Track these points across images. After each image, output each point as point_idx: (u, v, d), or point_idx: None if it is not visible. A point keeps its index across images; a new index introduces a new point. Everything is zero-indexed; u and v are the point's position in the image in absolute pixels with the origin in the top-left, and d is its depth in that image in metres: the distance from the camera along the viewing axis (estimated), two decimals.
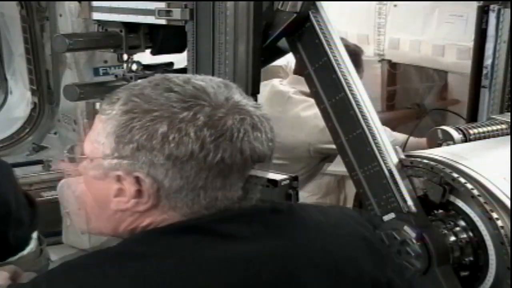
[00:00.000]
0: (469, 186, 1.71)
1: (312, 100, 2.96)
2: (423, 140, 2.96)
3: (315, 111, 2.95)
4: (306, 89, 2.91)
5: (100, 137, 1.11)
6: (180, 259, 1.06)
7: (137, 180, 1.09)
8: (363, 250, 1.23)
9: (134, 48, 2.07)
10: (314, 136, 3.05)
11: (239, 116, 1.09)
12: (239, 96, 1.13)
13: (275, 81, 3.36)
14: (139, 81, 1.15)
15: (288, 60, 3.61)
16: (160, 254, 1.07)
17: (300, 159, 3.14)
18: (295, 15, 1.93)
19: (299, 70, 3.13)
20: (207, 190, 1.09)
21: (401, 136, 3.12)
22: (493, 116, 2.25)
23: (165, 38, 2.07)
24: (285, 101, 3.18)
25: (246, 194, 1.14)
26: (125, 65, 2.08)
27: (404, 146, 2.88)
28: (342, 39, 3.30)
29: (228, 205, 1.12)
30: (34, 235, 1.76)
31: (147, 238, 1.11)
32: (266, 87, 3.25)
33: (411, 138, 3.11)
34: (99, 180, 1.13)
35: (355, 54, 3.20)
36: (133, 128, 1.07)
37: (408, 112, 3.80)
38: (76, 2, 2.59)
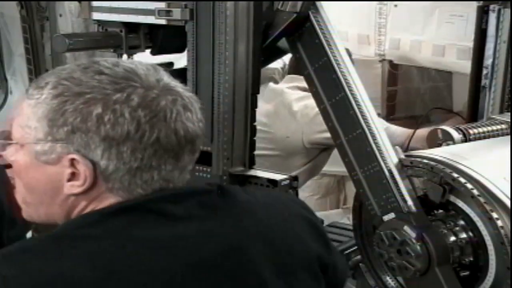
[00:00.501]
0: (469, 186, 1.71)
1: (304, 93, 2.98)
2: (422, 130, 2.98)
3: (306, 102, 2.97)
4: (302, 84, 2.92)
5: (30, 121, 1.11)
6: (119, 239, 1.07)
7: (72, 162, 1.10)
8: (309, 231, 1.27)
9: (134, 48, 2.07)
10: (306, 126, 3.05)
11: (171, 97, 1.11)
12: (168, 78, 1.15)
13: (270, 84, 3.39)
14: (66, 65, 1.16)
15: (285, 63, 3.63)
16: (100, 236, 1.07)
17: (295, 152, 3.14)
18: (295, 15, 1.93)
19: (294, 69, 3.16)
20: (143, 170, 1.10)
21: (399, 130, 3.14)
22: (493, 116, 2.25)
23: (165, 38, 2.07)
24: (279, 95, 3.21)
25: (180, 174, 1.16)
26: None
27: (410, 139, 2.90)
28: None
29: (164, 185, 1.14)
30: (28, 234, 1.75)
31: (86, 221, 1.11)
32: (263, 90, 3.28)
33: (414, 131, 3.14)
34: (34, 166, 1.13)
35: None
36: (66, 111, 1.08)
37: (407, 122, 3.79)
38: (76, 2, 2.59)
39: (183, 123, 1.12)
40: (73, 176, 1.11)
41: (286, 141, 3.09)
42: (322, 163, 3.30)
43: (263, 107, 3.21)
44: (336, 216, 4.08)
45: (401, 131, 3.15)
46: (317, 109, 2.05)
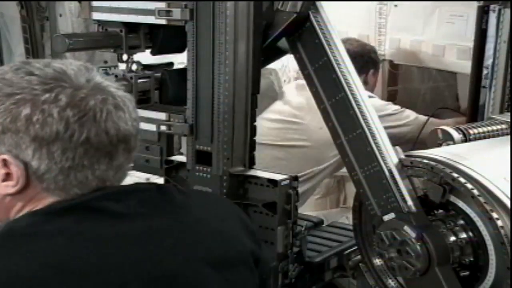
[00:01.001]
0: (469, 186, 1.71)
1: None
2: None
3: None
4: None
5: None
6: (69, 237, 1.09)
7: (5, 163, 1.11)
8: (242, 228, 1.33)
9: (134, 48, 2.07)
10: None
11: (101, 96, 1.13)
12: (100, 77, 1.17)
13: (299, 80, 3.43)
14: (1, 66, 1.18)
15: (283, 64, 3.64)
16: (50, 233, 1.09)
17: (328, 143, 3.15)
18: (295, 15, 1.93)
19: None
20: (76, 170, 1.12)
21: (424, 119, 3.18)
22: (493, 116, 2.25)
23: (165, 38, 2.07)
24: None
25: (116, 173, 1.17)
26: (125, 65, 2.08)
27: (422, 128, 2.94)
28: (357, 40, 3.37)
29: (100, 185, 1.15)
30: None
31: (33, 219, 1.13)
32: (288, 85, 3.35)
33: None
34: None
35: (374, 52, 3.29)
36: None
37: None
38: (76, 2, 2.59)
39: (114, 122, 1.13)
40: (7, 177, 1.13)
41: (319, 132, 3.11)
42: None
43: (294, 99, 3.26)
44: (335, 215, 4.08)
45: (430, 122, 3.19)
46: None
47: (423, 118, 3.28)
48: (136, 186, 1.25)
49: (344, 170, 2.02)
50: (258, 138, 2.01)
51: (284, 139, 3.17)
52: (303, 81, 3.38)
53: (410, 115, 3.28)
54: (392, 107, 3.32)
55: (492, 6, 2.56)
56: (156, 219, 1.19)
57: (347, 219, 4.08)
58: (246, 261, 1.29)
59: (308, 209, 3.43)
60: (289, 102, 3.28)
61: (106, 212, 1.14)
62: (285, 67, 3.72)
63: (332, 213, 4.12)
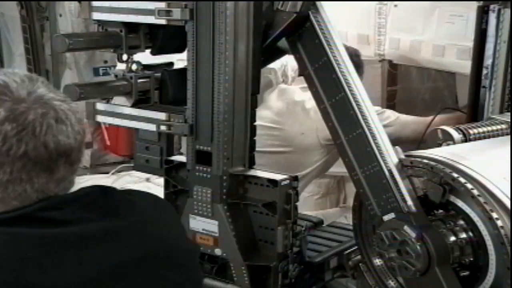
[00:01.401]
0: (469, 186, 1.71)
1: None
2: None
3: None
4: None
5: None
6: (12, 236, 1.11)
7: None
8: (180, 225, 1.42)
9: (134, 48, 2.07)
10: (319, 123, 3.06)
11: (42, 110, 1.13)
12: (44, 89, 1.16)
13: (282, 85, 3.41)
14: None
15: (283, 63, 3.63)
16: None
17: (311, 148, 3.15)
18: (295, 15, 1.93)
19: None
20: (14, 183, 1.13)
21: (408, 118, 3.16)
22: (493, 116, 2.25)
23: (165, 38, 2.07)
24: (291, 93, 3.23)
25: (57, 186, 1.18)
26: (125, 65, 2.08)
27: (428, 125, 2.93)
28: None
29: (41, 196, 1.16)
30: None
31: None
32: (272, 91, 3.32)
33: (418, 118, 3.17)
34: None
35: (356, 55, 3.25)
36: None
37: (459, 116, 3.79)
38: (76, 2, 2.59)
39: (54, 136, 1.13)
40: None
41: (300, 137, 3.10)
42: (334, 159, 3.31)
43: (275, 105, 3.24)
44: (334, 215, 4.08)
45: (413, 120, 3.18)
46: None
47: (404, 117, 3.25)
48: (79, 192, 1.25)
49: (343, 170, 2.01)
50: None
51: (265, 145, 3.13)
52: (284, 86, 3.39)
53: (390, 115, 3.22)
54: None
55: (492, 6, 2.56)
56: (99, 222, 1.20)
57: (346, 218, 4.08)
58: (184, 255, 1.33)
59: (307, 209, 3.43)
60: (270, 108, 3.23)
61: (50, 221, 1.15)
62: (284, 67, 3.72)
63: (330, 213, 4.12)
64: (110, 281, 1.16)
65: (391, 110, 3.30)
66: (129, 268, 1.19)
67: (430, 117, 3.18)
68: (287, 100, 3.23)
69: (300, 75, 3.21)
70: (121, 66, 2.12)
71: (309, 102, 3.13)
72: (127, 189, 1.55)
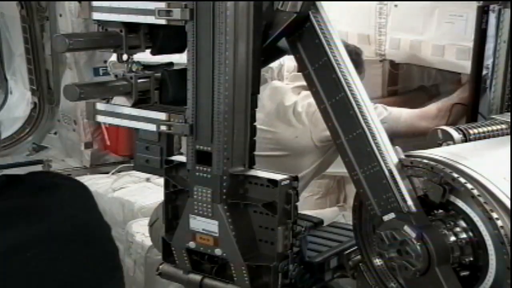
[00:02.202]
0: (469, 186, 1.71)
1: (308, 92, 2.97)
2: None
3: (310, 100, 2.96)
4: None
5: None
6: None
7: None
8: (91, 209, 1.44)
9: (134, 48, 2.07)
10: (312, 125, 3.05)
11: None
12: None
13: (275, 81, 3.39)
14: None
15: (281, 63, 3.62)
16: None
17: (306, 151, 3.13)
18: (295, 15, 1.93)
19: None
20: None
21: (400, 111, 3.13)
22: (493, 116, 2.25)
23: (165, 38, 2.07)
24: (283, 94, 3.20)
25: None
26: (125, 65, 2.08)
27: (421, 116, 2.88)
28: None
29: None
30: None
31: None
32: (265, 88, 3.28)
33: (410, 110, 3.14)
34: None
35: (356, 54, 3.24)
36: None
37: (415, 95, 3.76)
38: (76, 2, 2.59)
39: None
40: None
41: (294, 141, 3.09)
42: (330, 160, 3.30)
43: (266, 104, 3.22)
44: (331, 214, 4.08)
45: (406, 113, 3.16)
46: None
47: (396, 111, 3.20)
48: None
49: (343, 171, 2.01)
50: None
51: (259, 149, 3.07)
52: (277, 84, 3.35)
53: (383, 111, 3.20)
54: None
55: (492, 6, 2.56)
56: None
57: (343, 217, 4.09)
58: (97, 237, 1.38)
59: (305, 207, 3.43)
60: (262, 107, 3.16)
61: None
62: (282, 66, 3.71)
63: (327, 212, 4.13)
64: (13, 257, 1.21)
65: (382, 105, 3.27)
66: (35, 246, 1.24)
67: (421, 109, 3.16)
68: (277, 102, 3.20)
69: (299, 71, 3.20)
70: (112, 58, 2.12)
71: (300, 104, 3.12)
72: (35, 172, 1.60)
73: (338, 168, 3.28)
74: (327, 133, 2.94)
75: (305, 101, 3.09)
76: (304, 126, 3.08)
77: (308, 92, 2.92)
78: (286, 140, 3.11)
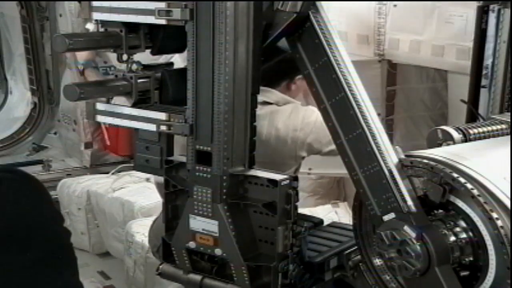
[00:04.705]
0: (469, 186, 1.71)
1: (271, 107, 2.83)
2: None
3: (272, 119, 2.83)
4: (272, 96, 2.85)
5: None
6: None
7: None
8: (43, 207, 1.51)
9: (134, 48, 2.07)
10: (297, 143, 2.91)
11: None
12: None
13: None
14: None
15: None
16: None
17: (293, 156, 3.05)
18: (295, 15, 1.93)
19: (266, 80, 2.77)
20: None
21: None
22: (493, 116, 2.25)
23: (165, 38, 2.07)
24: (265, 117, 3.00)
25: None
26: (125, 65, 2.08)
27: None
28: None
29: None
30: None
31: None
32: None
33: None
34: None
35: None
36: None
37: None
38: (76, 2, 2.58)
39: None
40: None
41: (279, 159, 2.95)
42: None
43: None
44: (324, 211, 4.07)
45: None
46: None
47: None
48: None
49: (343, 171, 2.01)
50: None
51: None
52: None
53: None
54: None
55: (491, 6, 2.57)
56: None
57: (336, 213, 4.08)
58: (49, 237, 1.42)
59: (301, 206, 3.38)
60: None
61: None
62: None
63: (321, 209, 4.12)
64: None
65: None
66: None
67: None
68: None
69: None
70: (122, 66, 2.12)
71: (283, 126, 2.87)
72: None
73: (337, 169, 3.27)
74: (300, 154, 2.85)
75: (265, 120, 2.83)
76: (289, 150, 2.91)
77: (272, 107, 2.79)
78: (273, 146, 2.95)
